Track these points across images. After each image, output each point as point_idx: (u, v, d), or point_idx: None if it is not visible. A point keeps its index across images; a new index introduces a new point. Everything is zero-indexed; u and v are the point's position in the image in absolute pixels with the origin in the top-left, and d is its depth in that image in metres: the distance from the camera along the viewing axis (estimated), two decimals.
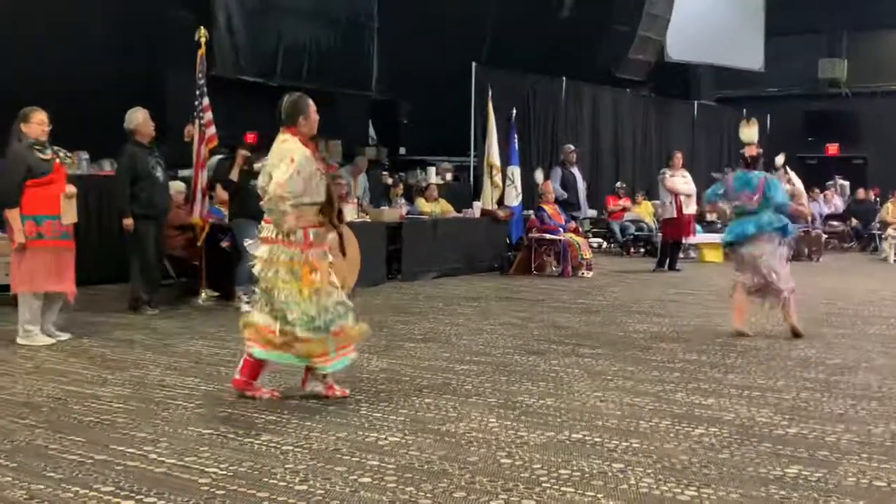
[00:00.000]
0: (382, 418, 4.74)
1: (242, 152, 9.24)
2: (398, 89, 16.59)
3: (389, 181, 14.26)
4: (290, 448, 4.21)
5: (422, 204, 12.90)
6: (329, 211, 5.12)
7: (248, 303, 8.94)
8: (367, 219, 11.33)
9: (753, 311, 9.00)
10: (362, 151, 14.73)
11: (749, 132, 7.98)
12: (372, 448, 4.22)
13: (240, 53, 13.42)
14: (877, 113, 23.96)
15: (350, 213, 10.92)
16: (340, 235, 5.29)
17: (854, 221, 19.01)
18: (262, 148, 10.68)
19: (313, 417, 4.74)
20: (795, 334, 7.31)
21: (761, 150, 7.83)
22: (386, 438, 4.37)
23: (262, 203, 5.10)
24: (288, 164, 4.93)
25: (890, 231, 16.25)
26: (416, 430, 4.52)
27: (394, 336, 7.32)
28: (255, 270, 5.11)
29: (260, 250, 5.11)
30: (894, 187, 18.11)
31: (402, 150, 16.89)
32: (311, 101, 5.16)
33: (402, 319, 8.26)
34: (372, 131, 17.15)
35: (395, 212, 11.91)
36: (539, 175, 13.73)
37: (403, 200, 12.79)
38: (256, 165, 9.25)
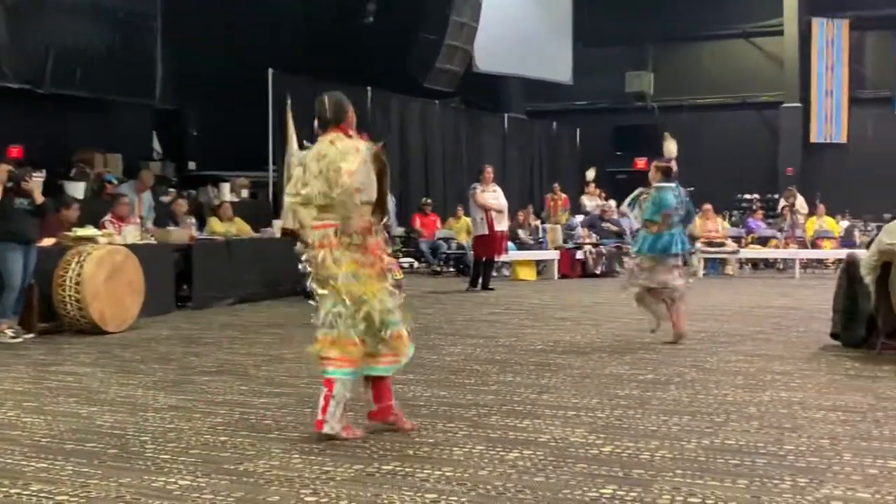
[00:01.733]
0: (171, 460, 4.57)
1: (5, 167, 8.79)
2: (186, 98, 16.16)
3: (174, 199, 13.63)
4: (66, 498, 3.99)
5: (214, 224, 12.52)
6: (380, 211, 5.07)
7: (14, 337, 8.46)
8: (153, 240, 10.96)
9: (568, 329, 9.37)
10: (146, 166, 14.23)
11: (673, 145, 9.24)
12: (160, 494, 4.06)
13: (1, 57, 12.69)
14: (682, 127, 25.49)
15: (133, 234, 10.55)
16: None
17: None
18: (28, 163, 10.22)
19: (91, 462, 4.52)
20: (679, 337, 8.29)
21: None
22: (175, 482, 4.22)
23: (334, 197, 4.87)
24: (354, 154, 4.91)
25: (698, 245, 17.32)
26: (209, 471, 4.39)
27: (184, 369, 7.11)
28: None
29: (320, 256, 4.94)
30: (701, 201, 19.32)
31: (192, 165, 16.44)
32: None
33: (194, 351, 8.03)
34: (157, 144, 16.58)
35: (184, 233, 11.57)
36: None
37: (193, 220, 12.41)
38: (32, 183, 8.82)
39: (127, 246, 9.89)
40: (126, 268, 9.40)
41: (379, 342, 4.97)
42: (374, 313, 4.91)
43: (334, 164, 4.91)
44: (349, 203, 4.87)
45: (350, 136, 5.09)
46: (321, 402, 4.92)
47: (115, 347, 8.24)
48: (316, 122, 5.19)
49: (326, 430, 4.85)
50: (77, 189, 12.18)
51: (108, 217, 10.79)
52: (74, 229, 9.80)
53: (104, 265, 9.10)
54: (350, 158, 4.91)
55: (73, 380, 6.70)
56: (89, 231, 9.82)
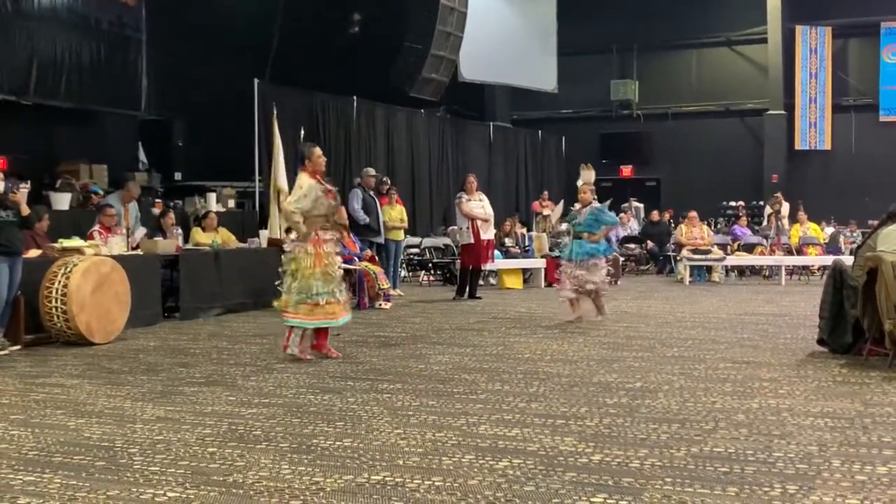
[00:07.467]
0: (160, 472, 4.55)
1: None
2: (172, 108, 16.11)
3: (164, 211, 13.52)
4: None
5: (197, 234, 12.31)
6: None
7: (0, 349, 8.41)
8: (140, 251, 10.91)
9: (556, 337, 9.38)
10: (132, 177, 14.16)
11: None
12: None
13: None
14: (668, 134, 25.69)
15: (119, 245, 10.51)
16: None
17: (650, 243, 20.20)
18: (13, 174, 10.16)
19: (79, 475, 4.49)
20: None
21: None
22: (164, 494, 4.20)
23: None
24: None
25: (685, 252, 17.38)
26: (198, 483, 4.37)
27: (172, 380, 7.07)
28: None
29: None
30: (687, 208, 19.41)
31: (178, 176, 16.39)
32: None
33: (181, 361, 8.00)
34: (142, 154, 16.54)
35: (171, 243, 11.52)
36: None
37: (180, 230, 12.34)
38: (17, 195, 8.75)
39: (113, 257, 9.85)
40: (112, 279, 9.36)
41: None
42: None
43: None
44: None
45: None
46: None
47: (102, 359, 8.20)
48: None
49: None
50: (62, 200, 12.12)
51: (96, 227, 10.74)
52: (60, 240, 9.74)
53: (90, 276, 9.06)
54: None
55: (60, 392, 6.66)
56: (75, 242, 9.77)
